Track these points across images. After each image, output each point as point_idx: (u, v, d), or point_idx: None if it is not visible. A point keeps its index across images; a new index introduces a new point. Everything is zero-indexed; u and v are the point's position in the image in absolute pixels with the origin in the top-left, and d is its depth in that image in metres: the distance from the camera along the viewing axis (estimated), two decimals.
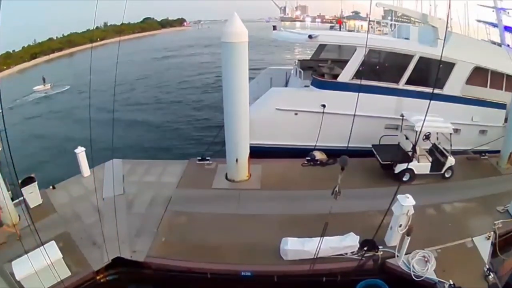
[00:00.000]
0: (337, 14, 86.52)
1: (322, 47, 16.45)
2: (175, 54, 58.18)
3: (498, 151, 12.26)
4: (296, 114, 12.69)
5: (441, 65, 9.74)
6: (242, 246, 8.25)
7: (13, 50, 64.36)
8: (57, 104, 29.60)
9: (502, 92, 13.47)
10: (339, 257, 7.78)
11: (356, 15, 77.24)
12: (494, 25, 16.98)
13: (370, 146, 11.51)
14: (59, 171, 13.28)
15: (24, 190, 9.48)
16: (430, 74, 12.78)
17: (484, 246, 8.14)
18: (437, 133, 11.41)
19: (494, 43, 16.40)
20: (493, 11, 16.45)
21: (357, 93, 9.08)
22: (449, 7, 7.52)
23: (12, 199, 9.48)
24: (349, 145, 9.41)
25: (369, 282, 7.57)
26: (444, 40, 9.32)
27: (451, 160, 10.78)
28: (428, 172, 10.83)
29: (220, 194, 10.48)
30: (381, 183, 10.55)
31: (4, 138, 6.01)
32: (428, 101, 6.95)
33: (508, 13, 16.41)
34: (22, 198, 9.72)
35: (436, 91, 11.52)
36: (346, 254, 7.82)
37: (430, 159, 10.92)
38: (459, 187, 10.66)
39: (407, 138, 11.47)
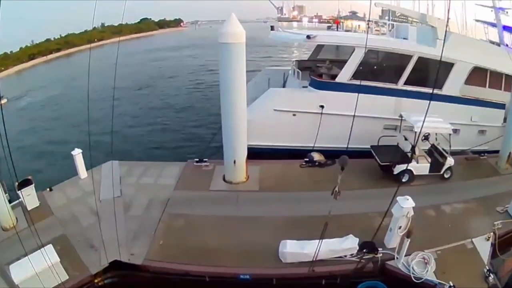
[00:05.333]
0: (334, 14, 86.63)
1: (320, 47, 16.44)
2: (172, 55, 58.06)
3: (497, 151, 12.23)
4: (294, 115, 12.64)
5: (440, 65, 9.70)
6: (240, 248, 8.18)
7: (11, 51, 64.25)
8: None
9: (501, 92, 13.46)
10: (338, 259, 7.72)
11: (353, 15, 77.39)
12: (493, 25, 16.96)
13: (369, 147, 11.46)
14: (56, 173, 13.24)
15: (23, 192, 9.40)
16: (429, 74, 12.78)
17: (484, 247, 8.09)
18: (436, 134, 11.38)
19: (492, 42, 16.40)
20: (491, 10, 16.44)
21: (355, 94, 9.04)
22: (449, 7, 7.49)
23: (10, 202, 9.41)
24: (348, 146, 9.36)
25: (369, 284, 7.56)
26: (444, 40, 9.29)
27: (450, 161, 10.74)
28: (427, 173, 10.78)
29: (218, 196, 10.41)
30: (380, 184, 10.51)
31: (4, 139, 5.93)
32: (427, 101, 6.92)
33: (506, 12, 16.41)
34: (19, 200, 9.71)
35: (435, 91, 11.52)
36: (346, 256, 7.76)
37: (429, 159, 10.87)
38: (458, 188, 10.62)
39: (406, 139, 11.43)
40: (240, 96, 10.26)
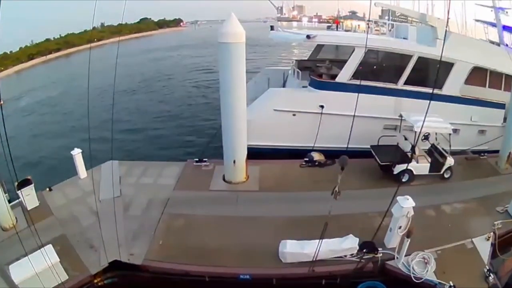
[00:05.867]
0: (334, 14, 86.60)
1: (320, 47, 16.43)
2: (172, 55, 57.95)
3: (497, 151, 12.21)
4: (294, 115, 12.64)
5: (440, 65, 9.68)
6: (240, 248, 8.18)
7: (11, 51, 64.23)
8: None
9: (501, 91, 13.46)
10: (338, 259, 7.71)
11: (353, 15, 77.51)
12: (493, 25, 16.97)
13: (369, 147, 11.46)
14: (56, 173, 13.21)
15: (22, 192, 9.39)
16: (429, 74, 12.77)
17: (484, 247, 8.09)
18: (436, 134, 11.37)
19: (492, 42, 16.40)
20: (491, 10, 16.44)
21: (355, 94, 9.02)
22: (449, 7, 7.49)
23: (9, 201, 9.40)
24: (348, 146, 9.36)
25: (369, 284, 7.55)
26: (444, 40, 9.31)
27: (450, 161, 10.74)
28: (427, 172, 10.77)
29: (217, 196, 10.40)
30: (380, 184, 10.51)
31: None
32: (427, 101, 6.92)
33: (506, 12, 16.41)
34: (18, 200, 9.70)
35: (435, 91, 11.51)
36: (346, 256, 7.76)
37: (429, 159, 10.86)
38: (458, 188, 10.62)
39: (406, 139, 11.42)
40: (240, 96, 10.24)
